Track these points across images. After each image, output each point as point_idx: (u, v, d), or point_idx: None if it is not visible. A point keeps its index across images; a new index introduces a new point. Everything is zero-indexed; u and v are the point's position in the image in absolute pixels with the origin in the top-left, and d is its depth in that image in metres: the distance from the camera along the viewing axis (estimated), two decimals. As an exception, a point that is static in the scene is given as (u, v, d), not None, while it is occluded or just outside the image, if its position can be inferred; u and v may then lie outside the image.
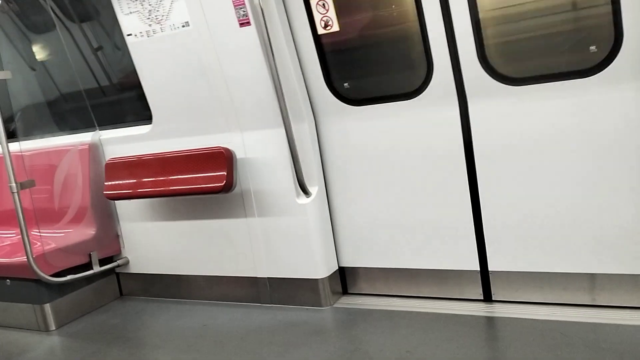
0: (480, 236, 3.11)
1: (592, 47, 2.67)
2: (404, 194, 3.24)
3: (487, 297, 3.18)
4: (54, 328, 3.74)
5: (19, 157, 3.94)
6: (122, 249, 4.08)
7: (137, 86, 3.68)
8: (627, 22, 2.55)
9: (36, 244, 3.76)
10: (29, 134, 4.36)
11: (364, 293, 3.53)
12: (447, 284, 3.26)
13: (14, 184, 3.53)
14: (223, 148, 3.40)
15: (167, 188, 3.55)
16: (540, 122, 2.85)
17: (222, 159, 3.38)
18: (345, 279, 3.57)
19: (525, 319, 2.92)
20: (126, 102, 4.08)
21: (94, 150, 3.97)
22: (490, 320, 3.02)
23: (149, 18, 3.38)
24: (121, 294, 4.18)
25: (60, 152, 4.09)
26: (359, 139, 3.30)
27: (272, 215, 3.45)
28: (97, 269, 3.92)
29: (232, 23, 3.16)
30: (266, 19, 3.05)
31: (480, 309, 3.11)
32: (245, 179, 3.49)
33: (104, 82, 4.14)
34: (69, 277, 3.75)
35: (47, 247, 3.73)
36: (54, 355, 3.45)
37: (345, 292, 3.58)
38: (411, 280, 3.35)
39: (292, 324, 3.28)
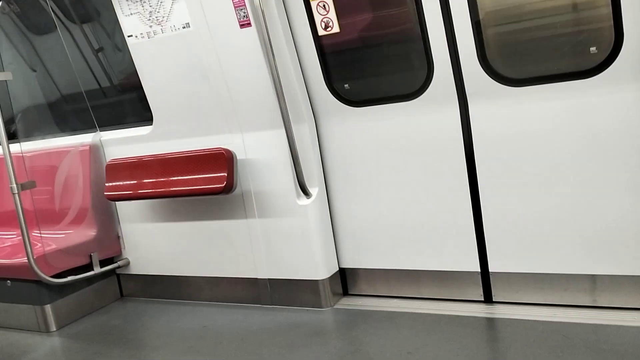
0: (481, 237, 3.11)
1: (593, 48, 2.67)
2: (405, 194, 3.24)
3: (488, 298, 3.18)
4: (54, 329, 3.74)
5: (20, 158, 3.94)
6: (122, 250, 4.09)
7: (137, 87, 3.68)
8: (627, 23, 2.55)
9: (37, 245, 3.76)
10: (29, 135, 4.36)
11: (364, 294, 3.53)
12: (447, 285, 3.26)
13: (14, 185, 3.53)
14: (223, 149, 3.41)
15: (167, 189, 3.55)
16: (540, 123, 2.85)
17: (223, 160, 3.38)
18: (345, 280, 3.57)
19: (526, 320, 2.92)
20: (127, 103, 4.08)
21: (94, 151, 3.98)
22: (490, 322, 3.02)
23: (149, 19, 3.39)
24: (122, 295, 4.18)
25: (61, 153, 4.09)
26: (359, 139, 3.30)
27: (272, 216, 3.45)
28: (97, 270, 3.92)
29: (232, 24, 3.16)
30: (266, 20, 3.05)
31: (480, 310, 3.11)
32: (246, 180, 3.49)
33: (105, 83, 4.15)
34: (70, 278, 3.75)
35: (47, 248, 3.73)
36: (54, 356, 3.45)
37: (345, 293, 3.58)
38: (412, 281, 3.35)
39: (292, 325, 3.27)
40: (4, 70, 4.08)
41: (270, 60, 3.09)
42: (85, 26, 4.04)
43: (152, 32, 3.41)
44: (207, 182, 3.41)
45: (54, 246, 3.78)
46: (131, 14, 3.43)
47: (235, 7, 3.12)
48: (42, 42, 4.30)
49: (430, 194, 3.17)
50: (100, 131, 4.03)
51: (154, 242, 3.92)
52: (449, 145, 3.06)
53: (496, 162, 2.98)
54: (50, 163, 4.12)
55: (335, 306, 3.45)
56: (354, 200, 3.40)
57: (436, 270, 3.26)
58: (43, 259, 3.63)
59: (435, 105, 3.04)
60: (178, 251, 3.84)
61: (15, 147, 4.05)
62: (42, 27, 4.22)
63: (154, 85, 3.57)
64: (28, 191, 3.68)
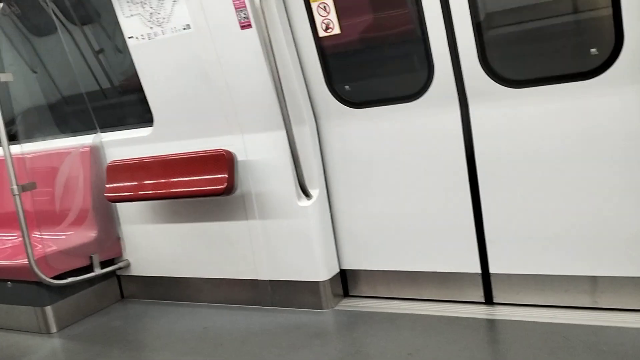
0: (482, 238, 3.11)
1: (593, 50, 2.67)
2: (405, 196, 3.24)
3: (489, 300, 3.18)
4: (55, 330, 3.74)
5: (21, 160, 3.95)
6: (123, 251, 4.09)
7: (138, 89, 3.68)
8: (627, 25, 2.55)
9: (37, 246, 3.76)
10: (30, 137, 4.36)
11: (365, 295, 3.53)
12: (448, 287, 3.26)
13: (15, 187, 3.54)
14: (224, 150, 3.41)
15: (168, 190, 3.55)
16: (541, 125, 2.85)
17: (223, 161, 3.38)
18: (346, 281, 3.57)
19: (527, 321, 2.92)
20: (127, 105, 4.08)
21: (95, 152, 3.98)
22: (491, 323, 3.01)
23: (150, 21, 3.39)
24: (122, 296, 4.18)
25: (61, 155, 4.09)
26: (360, 141, 3.30)
27: (273, 217, 3.45)
28: (98, 271, 3.92)
29: (233, 25, 3.16)
30: (267, 21, 3.05)
31: (481, 312, 3.11)
32: (247, 181, 3.49)
33: (106, 85, 4.15)
34: (70, 279, 3.75)
35: (48, 250, 3.73)
36: (55, 358, 3.45)
37: (346, 294, 3.58)
38: (412, 282, 3.35)
39: (293, 327, 3.27)
40: (4, 72, 4.08)
41: (271, 61, 3.09)
42: (85, 27, 4.04)
43: (152, 34, 3.41)
44: (207, 184, 3.41)
45: (54, 247, 3.78)
46: (132, 15, 3.44)
47: (235, 9, 3.12)
48: (42, 43, 4.30)
49: (431, 195, 3.17)
50: (101, 132, 4.03)
51: (154, 243, 3.92)
52: (449, 146, 3.06)
53: (497, 164, 2.98)
54: (51, 164, 4.12)
55: (336, 307, 3.45)
56: (354, 202, 3.40)
57: (437, 272, 3.26)
58: (43, 260, 3.63)
59: (436, 106, 3.04)
60: (179, 252, 3.84)
61: (15, 149, 4.06)
62: (42, 29, 4.22)
63: (154, 86, 3.57)
64: (29, 192, 3.69)
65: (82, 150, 3.99)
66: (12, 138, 4.19)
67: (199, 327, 3.48)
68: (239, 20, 3.14)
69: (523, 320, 2.93)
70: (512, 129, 2.91)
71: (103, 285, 4.04)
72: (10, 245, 4.06)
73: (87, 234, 3.94)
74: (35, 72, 4.41)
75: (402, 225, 3.28)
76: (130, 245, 4.05)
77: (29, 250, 3.52)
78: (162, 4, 3.31)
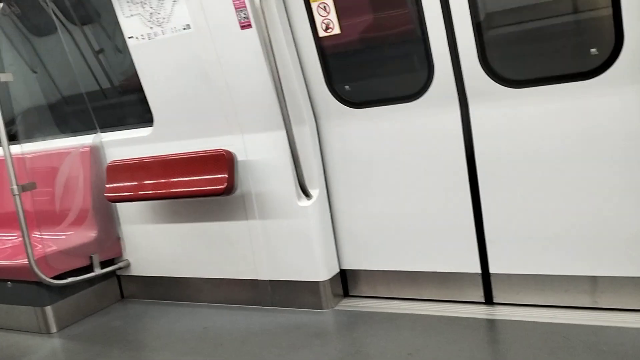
0: (482, 238, 3.11)
1: (593, 50, 2.67)
2: (405, 196, 3.24)
3: (489, 300, 3.18)
4: (55, 330, 3.74)
5: (21, 160, 3.95)
6: (123, 251, 4.09)
7: (138, 89, 3.68)
8: (627, 25, 2.55)
9: (37, 246, 3.76)
10: (30, 137, 4.36)
11: (365, 295, 3.53)
12: (448, 287, 3.26)
13: (15, 187, 3.54)
14: (224, 150, 3.41)
15: (168, 190, 3.55)
16: (541, 125, 2.85)
17: (223, 161, 3.38)
18: (346, 281, 3.57)
19: (527, 321, 2.92)
20: (127, 105, 4.08)
21: (95, 152, 3.98)
22: (491, 323, 3.01)
23: (150, 21, 3.39)
24: (122, 296, 4.18)
25: (61, 155, 4.09)
26: (360, 141, 3.30)
27: (273, 217, 3.45)
28: (98, 271, 3.92)
29: (233, 25, 3.16)
30: (267, 21, 3.05)
31: (481, 312, 3.11)
32: (247, 181, 3.49)
33: (106, 85, 4.15)
34: (70, 279, 3.75)
35: (48, 250, 3.73)
36: (55, 358, 3.45)
37: (346, 294, 3.58)
38: (412, 282, 3.35)
39: (293, 327, 3.27)
40: (4, 72, 4.08)
41: (271, 61, 3.09)
42: (85, 27, 4.04)
43: (152, 34, 3.41)
44: (207, 184, 3.40)
45: (54, 247, 3.78)
46: (132, 15, 3.44)
47: (235, 9, 3.12)
48: (42, 43, 4.30)
49: (431, 195, 3.17)
50: (101, 132, 4.03)
51: (154, 243, 3.92)
52: (449, 146, 3.06)
53: (497, 164, 2.98)
54: (51, 164, 4.12)
55: (336, 307, 3.45)
56: (354, 202, 3.40)
57: (437, 272, 3.26)
58: (43, 260, 3.63)
59: (436, 106, 3.04)
60: (179, 252, 3.84)
61: (16, 149, 4.06)
62: (42, 29, 4.22)
63: (154, 86, 3.57)
64: (29, 192, 3.69)
65: (82, 150, 3.99)
66: (12, 138, 4.20)
67: (199, 327, 3.48)
68: (239, 20, 3.14)
69: (523, 320, 2.93)
70: (512, 129, 2.91)
71: (103, 285, 4.04)
72: (10, 245, 4.06)
73: (87, 234, 3.94)
74: (35, 72, 4.41)
75: (402, 225, 3.28)
76: (130, 245, 4.05)
77: (29, 250, 3.52)
78: (162, 4, 3.31)
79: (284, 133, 3.21)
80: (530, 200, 2.94)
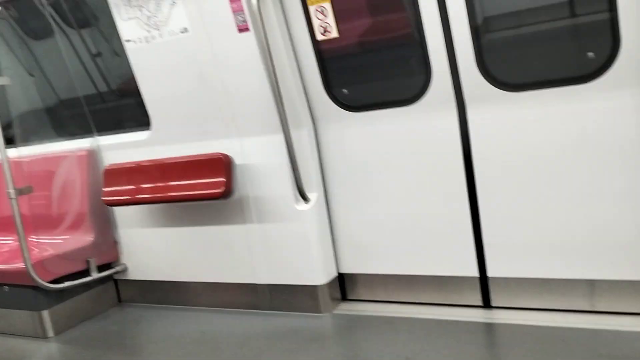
0: (479, 242, 3.11)
1: (590, 54, 2.67)
2: (403, 200, 3.24)
3: (486, 304, 3.18)
4: (52, 335, 3.72)
5: (18, 164, 3.94)
6: (120, 255, 4.07)
7: (135, 92, 3.68)
8: (624, 28, 2.56)
9: (34, 250, 3.75)
10: (27, 140, 4.36)
11: (363, 299, 3.52)
12: (446, 290, 3.25)
13: (12, 190, 3.53)
14: (222, 154, 3.40)
15: (165, 194, 3.55)
16: (538, 128, 2.85)
17: (221, 165, 3.38)
18: (344, 285, 3.56)
19: (525, 325, 2.92)
20: (125, 108, 4.08)
21: (92, 156, 3.97)
22: (489, 327, 3.01)
23: (147, 24, 3.39)
24: (119, 300, 4.17)
25: (58, 159, 4.09)
26: (358, 144, 3.30)
27: (271, 221, 3.44)
28: (95, 275, 3.91)
29: (230, 29, 3.16)
30: (265, 25, 3.06)
31: (479, 315, 3.11)
32: (244, 185, 3.48)
33: (103, 88, 4.14)
34: (67, 283, 3.74)
35: (45, 254, 3.73)
36: (51, 363, 3.44)
37: (344, 298, 3.58)
38: (410, 286, 3.34)
39: (290, 331, 3.27)
40: (1, 75, 4.07)
41: (269, 64, 3.09)
42: (83, 31, 4.04)
43: (150, 37, 3.41)
44: (205, 187, 3.40)
45: (51, 251, 3.77)
46: (129, 18, 3.44)
47: (233, 12, 3.12)
48: (40, 47, 4.29)
49: (429, 199, 3.17)
50: (98, 136, 4.02)
51: (152, 247, 3.91)
52: (447, 150, 3.06)
53: (494, 167, 2.98)
54: (48, 168, 4.11)
55: (334, 311, 3.44)
56: (352, 206, 3.40)
57: (435, 276, 3.26)
58: (40, 264, 3.62)
59: (434, 110, 3.05)
60: (176, 257, 3.83)
61: (12, 152, 4.05)
62: (40, 32, 4.22)
63: (152, 90, 3.57)
64: (25, 196, 3.67)
65: (79, 154, 3.98)
66: (9, 142, 4.19)
67: (197, 332, 3.47)
68: (237, 23, 3.14)
69: (521, 324, 2.93)
70: (509, 132, 2.91)
71: (100, 289, 4.03)
72: (7, 249, 4.05)
73: (84, 238, 3.93)
74: (32, 76, 4.41)
75: (400, 229, 3.28)
76: (128, 249, 4.04)
77: (26, 254, 3.51)
78: (159, 7, 3.31)
79: (281, 137, 3.21)
80: (527, 203, 2.94)
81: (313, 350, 3.01)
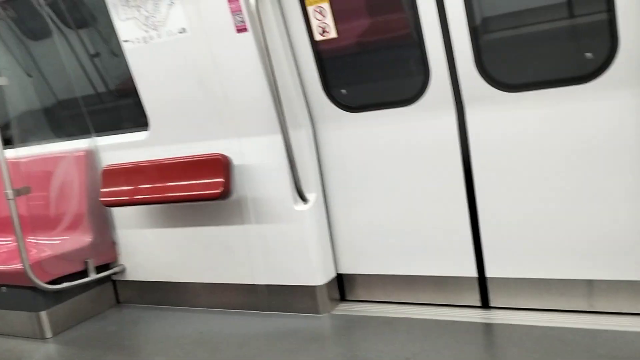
0: (478, 242, 3.11)
1: (588, 54, 2.68)
2: (402, 200, 3.24)
3: (485, 304, 3.18)
4: (50, 336, 3.72)
5: (15, 164, 3.93)
6: (118, 256, 4.07)
7: (133, 92, 3.67)
8: (622, 29, 2.56)
9: (32, 251, 3.75)
10: (25, 141, 4.35)
11: (361, 300, 3.52)
12: (444, 291, 3.25)
13: (10, 191, 3.52)
14: (220, 154, 3.40)
15: (164, 195, 3.54)
16: (537, 129, 2.85)
17: (220, 165, 3.37)
18: (343, 285, 3.56)
19: (523, 325, 2.92)
20: (123, 109, 4.07)
21: (90, 156, 3.97)
22: (487, 327, 3.02)
23: (145, 24, 3.38)
24: (118, 301, 4.16)
25: (56, 159, 4.08)
26: (356, 145, 3.30)
27: (269, 222, 3.44)
28: (93, 276, 3.90)
29: (229, 29, 3.16)
30: (263, 25, 3.05)
31: (477, 316, 3.11)
32: (243, 185, 3.48)
33: (101, 89, 4.14)
34: (65, 284, 3.73)
35: (43, 255, 3.72)
36: (50, 364, 3.43)
37: (343, 299, 3.57)
38: (409, 287, 3.34)
39: (289, 331, 3.26)
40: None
41: (267, 65, 3.08)
42: (81, 31, 4.03)
43: (148, 37, 3.41)
44: (203, 188, 3.40)
45: (49, 252, 3.76)
46: (127, 19, 3.43)
47: (231, 12, 3.12)
48: (38, 47, 4.29)
49: (428, 199, 3.17)
50: (96, 137, 4.02)
51: (150, 248, 3.91)
52: (446, 150, 3.07)
53: (493, 168, 2.99)
54: (46, 169, 4.10)
55: (333, 312, 3.44)
56: (351, 206, 3.40)
57: (433, 276, 3.26)
58: (38, 265, 3.61)
59: (432, 110, 3.05)
60: (174, 257, 3.83)
61: (10, 153, 4.04)
62: (38, 32, 4.21)
63: (150, 90, 3.57)
64: (23, 197, 3.67)
65: (77, 154, 3.98)
66: (7, 142, 4.18)
67: (195, 332, 3.46)
68: (235, 24, 3.14)
69: (519, 324, 2.94)
70: (508, 132, 2.91)
71: (98, 290, 4.02)
72: (5, 250, 4.04)
73: (82, 239, 3.92)
74: (30, 76, 4.40)
75: (399, 229, 3.28)
76: (126, 250, 4.03)
77: (24, 255, 3.51)
78: (157, 7, 3.31)
79: (280, 137, 3.21)
80: (526, 204, 2.95)
81: (312, 350, 3.01)
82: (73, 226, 3.98)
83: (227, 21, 3.14)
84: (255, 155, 3.41)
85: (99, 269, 3.96)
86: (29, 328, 3.74)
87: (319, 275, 3.40)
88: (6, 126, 4.39)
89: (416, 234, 3.24)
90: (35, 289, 3.62)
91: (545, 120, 2.83)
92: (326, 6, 3.10)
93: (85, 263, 3.89)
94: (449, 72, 2.95)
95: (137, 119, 3.82)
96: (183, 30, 3.30)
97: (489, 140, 2.96)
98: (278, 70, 3.18)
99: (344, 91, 3.27)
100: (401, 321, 3.17)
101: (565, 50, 2.76)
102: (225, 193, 3.37)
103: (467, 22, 2.82)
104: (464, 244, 3.13)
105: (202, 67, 3.33)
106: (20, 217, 3.55)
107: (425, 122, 3.08)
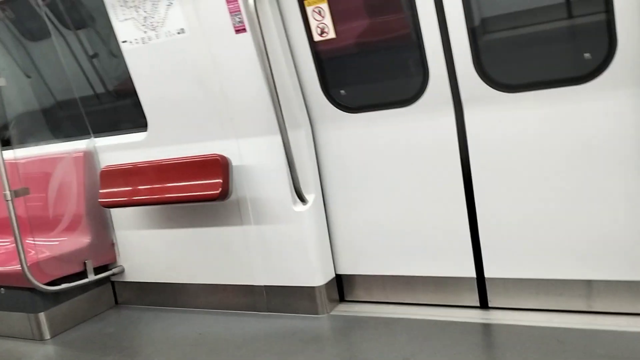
0: (477, 243, 3.11)
1: (587, 54, 2.68)
2: (401, 201, 3.24)
3: (484, 304, 3.18)
4: (48, 337, 3.71)
5: (14, 165, 3.92)
6: (117, 257, 4.06)
7: (132, 93, 3.67)
8: (620, 29, 2.56)
9: (30, 252, 3.74)
10: (23, 142, 4.34)
11: (361, 300, 3.52)
12: (443, 291, 3.26)
13: (8, 192, 3.51)
14: (219, 155, 3.40)
15: (162, 196, 3.54)
16: (535, 129, 2.85)
17: (218, 166, 3.37)
18: (342, 286, 3.56)
19: (522, 325, 2.92)
20: (121, 109, 4.07)
21: (88, 157, 3.96)
22: (486, 327, 3.02)
23: (144, 25, 3.38)
24: (116, 302, 4.16)
25: (54, 160, 4.07)
26: (355, 145, 3.30)
27: (268, 222, 3.44)
28: (92, 277, 3.90)
29: (227, 30, 3.16)
30: (262, 26, 3.05)
31: (476, 316, 3.11)
32: (242, 186, 3.48)
33: (100, 90, 4.13)
34: (64, 285, 3.73)
35: (41, 256, 3.71)
36: (48, 365, 3.43)
37: (342, 299, 3.57)
38: (408, 287, 3.34)
39: (288, 332, 3.26)
40: (-2, 77, 4.06)
41: (266, 65, 3.08)
42: (79, 32, 4.03)
43: (146, 38, 3.41)
44: (202, 189, 3.39)
45: (47, 253, 3.76)
46: (126, 19, 3.43)
47: (230, 13, 3.12)
48: (36, 48, 4.28)
49: (426, 200, 3.17)
50: (95, 137, 4.01)
51: (149, 249, 3.90)
52: (444, 151, 3.07)
53: (491, 168, 2.99)
54: (44, 170, 4.10)
55: (332, 313, 3.44)
56: (350, 206, 3.39)
57: (432, 276, 3.26)
58: (37, 266, 3.61)
59: (431, 111, 3.05)
60: (173, 258, 3.83)
61: (8, 154, 4.03)
62: (36, 33, 4.21)
63: (148, 90, 3.56)
64: (22, 198, 3.66)
65: (75, 155, 3.97)
66: (6, 143, 4.17)
67: (194, 333, 3.46)
68: (234, 24, 3.14)
69: (518, 325, 2.94)
70: (506, 133, 2.92)
71: (97, 291, 4.01)
72: (3, 251, 4.03)
73: (80, 240, 3.91)
74: (28, 77, 4.39)
75: (398, 230, 3.28)
76: (125, 251, 4.03)
77: (22, 256, 3.50)
78: (156, 8, 3.31)
79: (279, 137, 3.21)
80: (525, 204, 2.95)
81: (311, 351, 3.01)
82: (71, 227, 3.97)
83: (226, 22, 3.14)
84: (254, 156, 3.41)
85: (98, 270, 3.96)
86: (28, 329, 3.73)
87: (318, 275, 3.40)
88: (4, 127, 4.39)
89: (415, 235, 3.24)
90: (33, 290, 3.61)
91: (543, 121, 2.83)
92: (325, 7, 3.10)
93: (84, 264, 3.88)
94: (447, 72, 2.95)
95: (135, 120, 3.81)
96: (181, 31, 3.30)
97: (487, 140, 2.97)
98: (277, 70, 3.18)
99: (342, 91, 3.27)
100: (400, 322, 3.17)
101: (564, 51, 2.77)
102: (224, 194, 3.37)
103: (465, 23, 2.82)
104: (463, 244, 3.13)
105: (201, 67, 3.33)
106: (18, 218, 3.54)
107: (424, 122, 3.08)
